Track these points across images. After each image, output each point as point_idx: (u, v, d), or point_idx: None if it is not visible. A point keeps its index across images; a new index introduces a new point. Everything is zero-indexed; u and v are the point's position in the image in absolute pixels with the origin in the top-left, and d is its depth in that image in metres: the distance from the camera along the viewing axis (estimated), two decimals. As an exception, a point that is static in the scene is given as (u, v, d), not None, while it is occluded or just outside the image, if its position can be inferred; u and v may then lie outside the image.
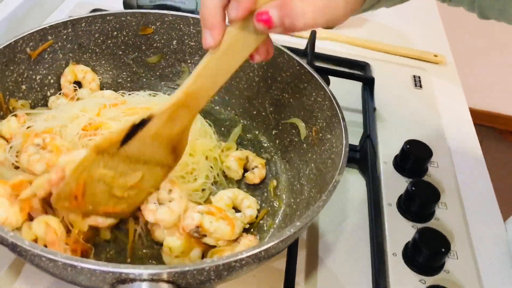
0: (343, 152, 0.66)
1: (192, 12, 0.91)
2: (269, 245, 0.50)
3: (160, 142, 0.58)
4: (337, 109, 0.72)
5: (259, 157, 0.81)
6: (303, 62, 0.80)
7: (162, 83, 0.92)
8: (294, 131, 0.83)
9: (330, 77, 1.06)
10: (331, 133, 0.73)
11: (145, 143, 0.57)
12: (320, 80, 0.77)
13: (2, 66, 0.72)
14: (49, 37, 0.78)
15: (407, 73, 1.20)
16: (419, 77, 1.20)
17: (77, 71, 0.83)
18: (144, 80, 0.91)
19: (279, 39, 1.21)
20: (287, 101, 0.84)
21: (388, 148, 0.98)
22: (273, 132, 0.86)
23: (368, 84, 1.06)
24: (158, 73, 0.91)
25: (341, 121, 0.70)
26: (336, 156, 0.69)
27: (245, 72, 0.88)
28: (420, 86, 1.17)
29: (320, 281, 0.71)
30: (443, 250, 0.71)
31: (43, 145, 0.67)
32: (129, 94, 0.85)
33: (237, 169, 0.77)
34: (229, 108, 0.91)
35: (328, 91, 0.75)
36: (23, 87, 0.77)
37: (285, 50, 0.82)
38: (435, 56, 1.29)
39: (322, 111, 0.76)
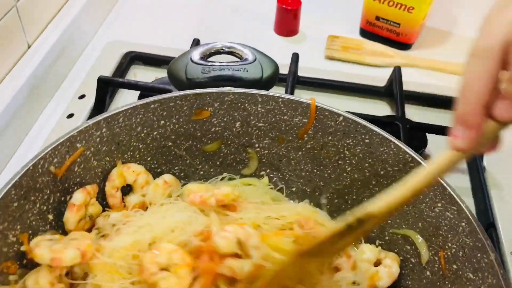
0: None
1: (258, 81, 0.69)
2: None
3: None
4: (485, 242, 0.51)
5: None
6: (420, 158, 0.58)
7: (224, 173, 0.72)
8: (408, 247, 0.62)
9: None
10: (475, 273, 0.52)
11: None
12: (450, 190, 0.55)
13: (20, 200, 0.54)
14: (78, 145, 0.59)
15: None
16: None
17: (127, 173, 0.64)
18: (202, 172, 0.71)
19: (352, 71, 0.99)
20: (395, 203, 0.63)
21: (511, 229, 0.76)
22: (377, 242, 0.65)
23: (478, 142, 0.83)
24: (218, 163, 0.71)
25: (497, 266, 0.49)
26: (493, 322, 0.48)
27: (332, 159, 0.67)
28: (535, 129, 0.93)
29: None
30: None
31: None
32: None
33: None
34: (312, 204, 0.70)
35: (466, 210, 0.54)
36: (50, 216, 0.58)
37: (391, 138, 0.61)
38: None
39: (455, 233, 0.55)
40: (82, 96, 0.92)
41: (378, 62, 1.07)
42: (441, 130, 0.83)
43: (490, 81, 0.39)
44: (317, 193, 0.70)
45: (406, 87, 0.95)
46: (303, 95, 0.99)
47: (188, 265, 0.52)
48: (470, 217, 0.53)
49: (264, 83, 0.70)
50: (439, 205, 0.57)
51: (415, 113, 0.93)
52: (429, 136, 0.85)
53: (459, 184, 0.84)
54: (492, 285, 0.49)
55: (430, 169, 0.45)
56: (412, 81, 1.00)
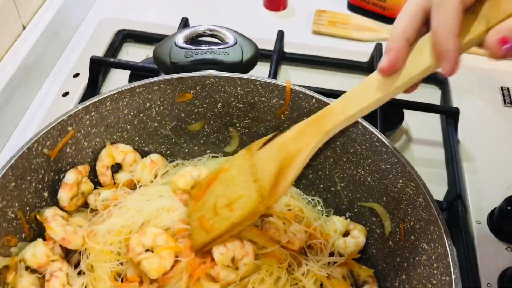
0: (454, 294, 0.51)
1: (238, 64, 0.73)
2: None
3: (278, 157, 0.57)
4: (437, 216, 0.56)
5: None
6: (384, 138, 0.63)
7: (208, 151, 0.77)
8: (374, 219, 0.67)
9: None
10: (429, 244, 0.58)
11: (270, 153, 0.58)
12: (409, 168, 0.60)
13: (17, 180, 0.59)
14: (69, 128, 0.64)
15: (493, 85, 1.00)
16: (508, 89, 0.99)
17: (116, 153, 0.69)
18: (186, 150, 0.76)
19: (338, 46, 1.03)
20: (363, 178, 0.68)
21: (480, 200, 0.81)
22: (347, 214, 0.71)
23: (452, 117, 0.88)
24: (202, 141, 0.76)
25: (445, 238, 0.54)
26: (440, 286, 0.54)
27: (308, 137, 0.72)
28: (510, 102, 0.97)
29: None
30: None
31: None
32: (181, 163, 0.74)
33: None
34: (289, 179, 0.76)
35: (423, 187, 0.59)
36: (45, 194, 0.64)
37: (359, 119, 0.65)
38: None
39: (413, 207, 0.60)
40: (76, 75, 0.96)
41: (364, 37, 1.10)
42: (417, 106, 0.87)
43: (413, 21, 0.48)
44: (294, 169, 0.75)
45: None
46: (289, 71, 1.03)
47: (171, 248, 0.58)
48: (426, 193, 0.58)
49: (244, 66, 0.74)
50: (401, 181, 0.62)
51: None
52: (406, 112, 0.89)
53: (435, 156, 0.89)
54: (441, 254, 0.55)
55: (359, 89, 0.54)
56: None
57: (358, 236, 0.66)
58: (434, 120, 0.93)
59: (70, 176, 0.64)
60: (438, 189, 0.82)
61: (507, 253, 0.75)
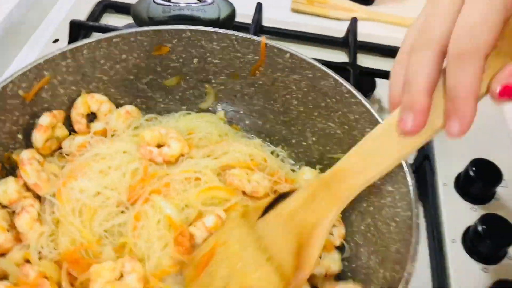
0: (413, 225, 0.53)
1: (215, 21, 0.75)
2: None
3: (291, 230, 0.51)
4: (403, 163, 0.58)
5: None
6: (354, 90, 0.65)
7: (183, 107, 0.78)
8: (343, 169, 0.69)
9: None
10: (393, 185, 0.60)
11: (278, 225, 0.52)
12: (377, 116, 0.63)
13: (-10, 119, 0.60)
14: (45, 73, 0.65)
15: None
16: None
17: (91, 102, 0.70)
18: (162, 105, 0.77)
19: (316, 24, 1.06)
20: (333, 131, 0.70)
21: (447, 164, 0.84)
22: (317, 167, 0.73)
23: (422, 86, 0.90)
24: (177, 97, 0.77)
25: (408, 179, 0.56)
26: (402, 224, 0.56)
27: (281, 94, 0.74)
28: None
29: None
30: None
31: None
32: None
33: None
34: (262, 135, 0.77)
35: (388, 132, 0.61)
36: (19, 136, 0.65)
37: (330, 72, 0.67)
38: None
39: (380, 154, 0.62)
40: (56, 41, 0.97)
41: (340, 16, 1.13)
42: (388, 75, 0.89)
43: (436, 71, 0.41)
44: (268, 126, 0.77)
45: (364, 38, 1.01)
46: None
47: None
48: (392, 138, 0.60)
49: (221, 24, 0.76)
50: (368, 130, 0.64)
51: (369, 62, 1.00)
52: (378, 81, 0.91)
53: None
54: (403, 193, 0.57)
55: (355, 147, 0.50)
56: (370, 34, 1.06)
57: (327, 185, 0.68)
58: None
59: (45, 118, 0.64)
60: (408, 155, 0.85)
61: (471, 212, 0.77)
